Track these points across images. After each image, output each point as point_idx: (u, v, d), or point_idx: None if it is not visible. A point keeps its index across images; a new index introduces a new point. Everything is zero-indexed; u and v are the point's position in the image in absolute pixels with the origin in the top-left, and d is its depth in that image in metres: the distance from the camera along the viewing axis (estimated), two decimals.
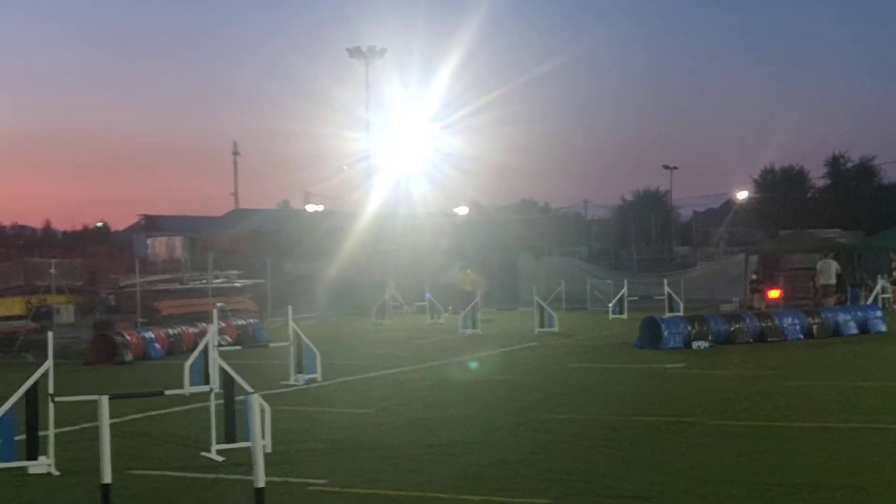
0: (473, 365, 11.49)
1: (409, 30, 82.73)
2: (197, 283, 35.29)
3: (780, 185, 71.72)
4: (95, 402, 7.46)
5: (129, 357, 23.13)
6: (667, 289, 34.85)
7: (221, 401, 11.19)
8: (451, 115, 57.45)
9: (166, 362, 22.27)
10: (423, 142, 56.00)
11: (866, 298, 33.43)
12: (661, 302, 34.68)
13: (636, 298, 37.78)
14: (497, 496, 8.85)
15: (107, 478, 7.39)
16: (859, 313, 26.39)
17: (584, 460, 10.30)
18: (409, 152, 55.03)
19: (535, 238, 56.66)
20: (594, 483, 9.22)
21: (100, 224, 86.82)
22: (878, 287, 32.24)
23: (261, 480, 5.99)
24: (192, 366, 15.22)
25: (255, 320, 29.04)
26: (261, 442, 5.88)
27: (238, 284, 36.64)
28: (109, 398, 7.53)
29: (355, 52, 50.96)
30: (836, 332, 25.01)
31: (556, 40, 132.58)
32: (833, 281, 35.90)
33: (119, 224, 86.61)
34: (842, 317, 25.73)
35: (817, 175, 72.90)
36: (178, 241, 47.80)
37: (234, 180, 73.05)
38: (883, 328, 25.83)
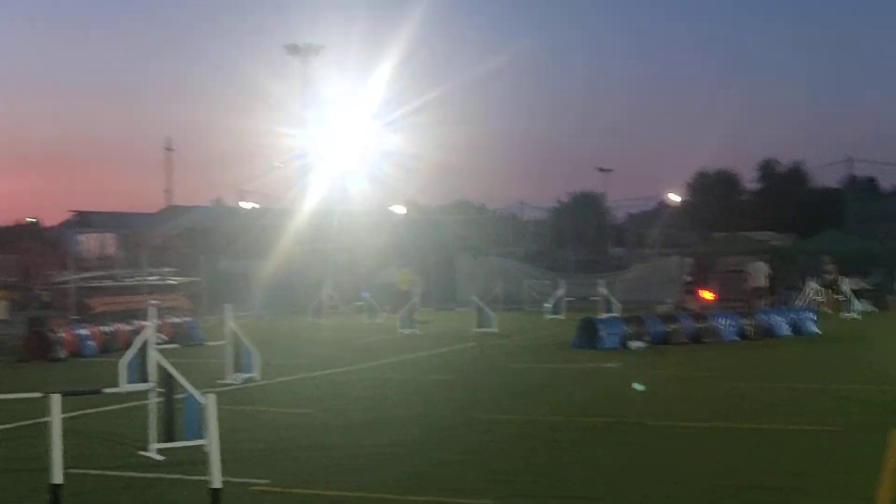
0: (639, 387, 11.35)
1: (347, 27, 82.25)
2: (131, 280, 34.82)
3: (714, 189, 72.67)
4: (32, 399, 7.30)
5: (62, 354, 22.77)
6: (603, 290, 35.12)
7: (160, 399, 11.03)
8: (389, 113, 57.31)
9: (101, 360, 21.95)
10: (361, 139, 55.82)
11: (798, 301, 34.07)
12: (598, 302, 34.94)
13: (573, 299, 38.02)
14: (442, 497, 8.81)
15: (57, 478, 7.25)
16: (792, 315, 26.83)
17: (528, 461, 10.30)
18: (346, 150, 54.81)
19: (472, 238, 56.75)
20: (538, 483, 9.22)
21: (31, 220, 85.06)
22: (809, 289, 32.81)
23: (217, 481, 5.88)
24: (128, 363, 14.99)
25: (191, 318, 28.69)
26: (217, 442, 5.76)
27: (172, 282, 36.22)
28: (59, 396, 7.38)
29: (292, 49, 50.63)
30: (770, 333, 25.38)
31: (494, 42, 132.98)
32: (763, 283, 36.57)
33: (50, 220, 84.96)
34: (775, 318, 26.12)
35: (750, 179, 74.01)
36: (110, 238, 47.15)
37: (167, 177, 72.06)
38: (816, 330, 26.27)
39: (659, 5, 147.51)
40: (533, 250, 65.58)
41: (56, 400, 7.33)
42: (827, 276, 38.29)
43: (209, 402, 5.87)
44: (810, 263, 43.64)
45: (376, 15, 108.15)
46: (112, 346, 23.69)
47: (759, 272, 37.04)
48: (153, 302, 21.03)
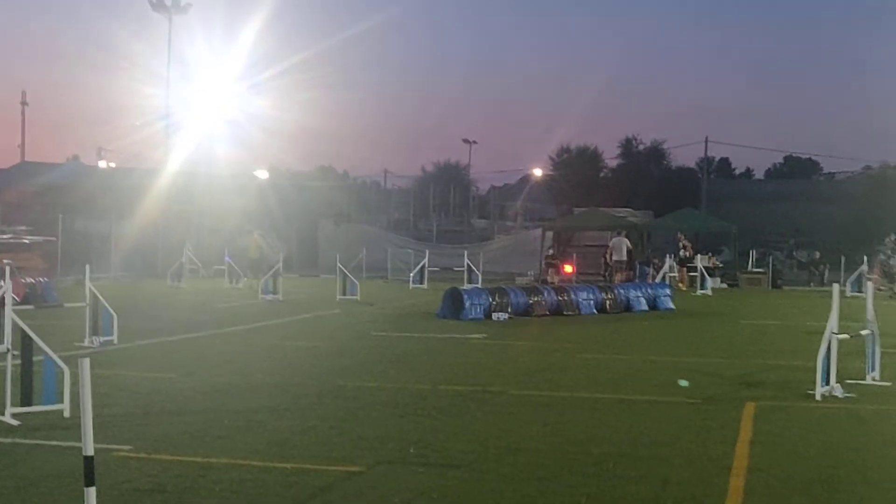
0: (684, 383, 11.34)
1: None
2: None
3: (575, 164, 73.91)
4: None
5: None
6: (466, 260, 35.45)
7: (16, 362, 10.68)
8: (256, 75, 56.40)
9: None
10: (226, 101, 54.77)
11: (654, 277, 35.03)
12: (461, 273, 35.29)
13: (436, 269, 38.29)
14: (309, 463, 8.77)
15: None
16: (649, 290, 27.59)
17: (395, 428, 10.34)
18: (212, 111, 53.71)
19: (336, 205, 56.51)
20: (406, 451, 9.27)
21: None
22: (666, 266, 33.74)
23: (89, 448, 5.72)
24: None
25: (45, 279, 27.80)
26: (90, 408, 5.61)
27: (26, 241, 35.03)
28: None
29: (158, 5, 49.23)
30: (628, 307, 26.09)
31: (362, 9, 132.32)
32: (624, 257, 37.54)
33: None
34: (633, 293, 26.82)
35: (611, 156, 75.55)
36: None
37: (21, 132, 69.52)
38: (671, 305, 27.10)
39: None
40: (396, 219, 65.69)
41: None
42: (683, 253, 39.48)
43: (83, 366, 5.69)
44: (666, 240, 45.00)
45: None
46: None
47: (621, 246, 38.01)
48: (6, 261, 20.34)
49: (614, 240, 38.84)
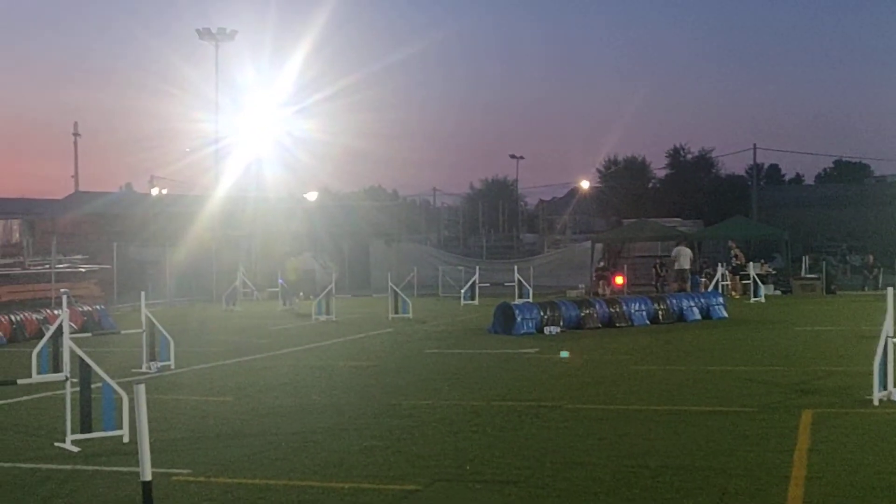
0: (564, 354, 11.60)
1: (261, 12, 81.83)
2: (39, 268, 34.06)
3: (623, 175, 73.64)
4: None
5: None
6: (517, 275, 35.44)
7: (75, 389, 10.85)
8: (303, 99, 56.87)
9: (9, 349, 21.44)
10: (274, 126, 55.29)
11: (707, 286, 34.81)
12: (511, 288, 35.27)
13: (487, 285, 38.34)
14: (367, 483, 8.82)
15: None
16: (702, 300, 27.38)
17: (451, 446, 10.37)
18: (260, 136, 54.24)
19: (386, 224, 56.77)
20: (462, 468, 9.29)
21: None
22: (719, 275, 33.50)
23: (147, 473, 5.82)
24: (40, 353, 14.72)
25: (101, 307, 28.18)
26: (146, 433, 5.70)
27: (82, 269, 35.53)
28: None
29: (205, 33, 49.86)
30: (681, 317, 25.91)
31: (408, 29, 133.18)
32: (687, 266, 37.48)
33: None
34: (686, 303, 26.63)
35: (658, 166, 75.20)
36: (15, 225, 46.05)
37: (74, 162, 70.59)
38: (724, 314, 26.88)
39: None
40: (446, 237, 65.88)
41: None
42: (735, 262, 39.20)
43: (139, 392, 5.80)
44: (717, 249, 44.69)
45: (290, 1, 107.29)
46: (21, 336, 23.18)
47: (685, 256, 37.83)
48: (63, 290, 20.66)
49: (675, 249, 38.67)
